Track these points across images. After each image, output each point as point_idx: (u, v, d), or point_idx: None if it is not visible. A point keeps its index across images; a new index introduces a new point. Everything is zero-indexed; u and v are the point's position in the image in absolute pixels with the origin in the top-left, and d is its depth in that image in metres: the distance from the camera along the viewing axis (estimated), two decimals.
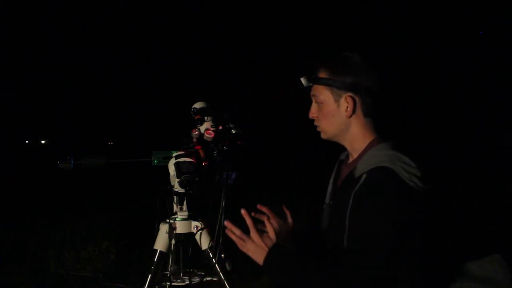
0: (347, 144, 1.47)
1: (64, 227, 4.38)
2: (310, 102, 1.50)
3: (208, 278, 1.86)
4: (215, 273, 1.82)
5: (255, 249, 1.37)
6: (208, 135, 1.76)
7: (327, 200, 1.58)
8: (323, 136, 1.49)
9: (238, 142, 1.79)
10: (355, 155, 1.45)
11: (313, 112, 1.47)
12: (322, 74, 1.42)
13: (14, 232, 4.81)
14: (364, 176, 1.32)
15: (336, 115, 1.41)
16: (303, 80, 1.47)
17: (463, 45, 7.73)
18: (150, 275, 1.82)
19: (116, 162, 1.86)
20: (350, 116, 1.40)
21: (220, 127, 1.81)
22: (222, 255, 1.76)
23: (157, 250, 1.84)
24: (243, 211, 1.41)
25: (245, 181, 1.89)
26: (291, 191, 5.96)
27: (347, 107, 1.39)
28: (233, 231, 1.41)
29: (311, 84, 1.46)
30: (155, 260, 1.83)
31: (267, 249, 1.35)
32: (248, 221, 1.39)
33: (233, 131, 1.81)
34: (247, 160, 1.78)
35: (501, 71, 7.53)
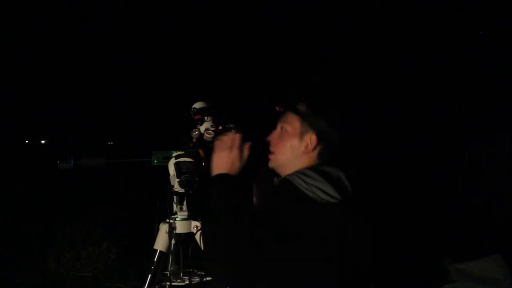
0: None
1: (64, 227, 4.38)
2: None
3: (208, 278, 1.86)
4: None
5: (228, 154, 1.44)
6: (208, 135, 1.76)
7: None
8: (271, 164, 1.52)
9: None
10: None
11: (274, 136, 1.52)
12: (301, 107, 1.46)
13: (14, 232, 4.81)
14: None
15: (295, 146, 1.45)
16: (280, 104, 1.52)
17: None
18: (150, 275, 1.82)
19: (116, 162, 1.86)
20: (306, 153, 1.45)
21: (220, 127, 1.81)
22: None
23: (157, 250, 1.84)
24: None
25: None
26: None
27: (308, 144, 1.44)
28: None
29: (282, 110, 1.51)
30: (155, 260, 1.83)
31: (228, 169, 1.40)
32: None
33: (233, 131, 1.81)
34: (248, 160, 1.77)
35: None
